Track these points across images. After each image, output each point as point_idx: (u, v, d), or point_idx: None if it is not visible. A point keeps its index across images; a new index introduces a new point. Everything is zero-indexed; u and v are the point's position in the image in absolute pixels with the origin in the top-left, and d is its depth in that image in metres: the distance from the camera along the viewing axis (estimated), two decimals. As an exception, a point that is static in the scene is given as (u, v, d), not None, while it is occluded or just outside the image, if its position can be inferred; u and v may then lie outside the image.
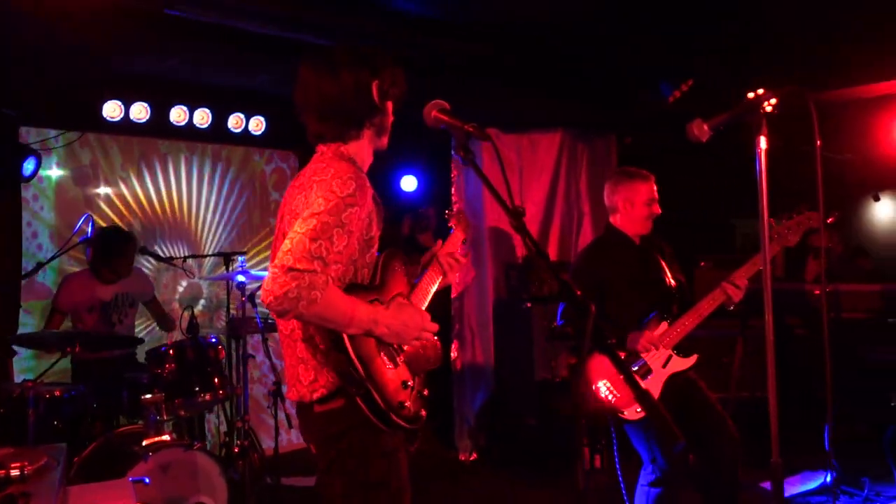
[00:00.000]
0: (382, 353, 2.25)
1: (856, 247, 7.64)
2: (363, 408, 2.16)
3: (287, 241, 2.08)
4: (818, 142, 2.25)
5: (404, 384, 2.29)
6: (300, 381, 2.27)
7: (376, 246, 2.35)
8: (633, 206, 3.79)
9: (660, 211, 3.84)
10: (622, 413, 3.51)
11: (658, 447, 3.54)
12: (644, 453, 3.65)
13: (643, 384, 3.52)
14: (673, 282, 3.81)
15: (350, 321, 2.13)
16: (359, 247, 2.25)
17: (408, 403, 2.26)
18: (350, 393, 2.17)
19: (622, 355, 3.59)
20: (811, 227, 3.61)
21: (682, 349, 3.65)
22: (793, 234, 3.60)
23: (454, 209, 3.04)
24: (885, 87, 5.64)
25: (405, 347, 2.34)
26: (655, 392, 3.57)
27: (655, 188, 3.84)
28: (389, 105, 2.40)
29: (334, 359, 2.18)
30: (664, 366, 3.62)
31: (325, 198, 2.12)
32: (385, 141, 2.44)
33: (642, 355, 3.60)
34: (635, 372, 3.56)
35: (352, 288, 2.23)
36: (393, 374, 2.26)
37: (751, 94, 2.20)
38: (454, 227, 2.94)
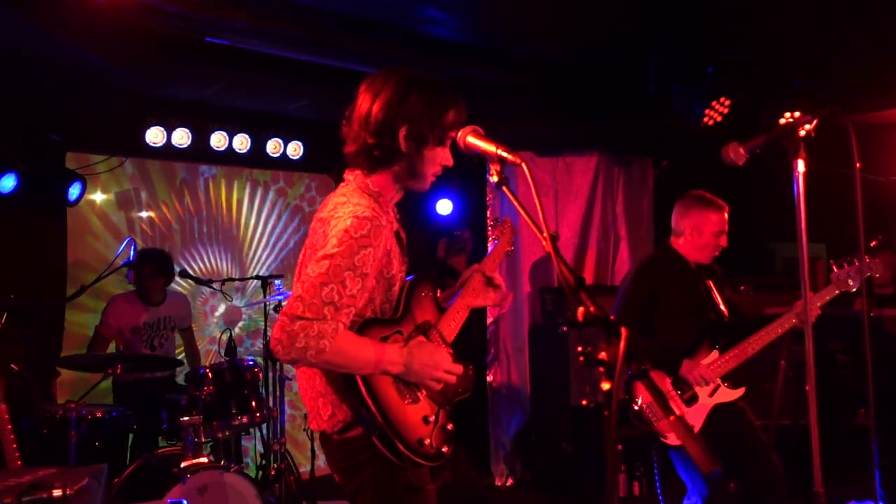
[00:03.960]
0: (401, 389, 2.18)
1: None
2: (380, 447, 2.11)
3: (298, 286, 2.05)
4: (857, 164, 2.20)
5: (425, 419, 2.22)
6: (320, 415, 2.24)
7: (398, 284, 2.28)
8: (701, 235, 3.68)
9: (726, 244, 3.71)
10: (664, 437, 3.44)
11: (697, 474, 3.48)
12: (688, 481, 3.57)
13: (688, 411, 3.48)
14: (726, 311, 3.71)
15: (363, 364, 2.09)
16: (378, 286, 2.21)
17: (427, 441, 2.18)
18: (367, 432, 2.13)
19: (670, 379, 3.53)
20: (872, 275, 3.55)
21: (731, 379, 3.57)
22: (853, 280, 3.52)
23: (500, 218, 2.81)
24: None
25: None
26: (699, 421, 3.50)
27: (727, 219, 3.71)
28: (430, 151, 2.25)
29: (348, 399, 2.14)
30: (711, 395, 3.54)
31: (338, 238, 2.06)
32: (419, 184, 2.31)
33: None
34: (681, 398, 3.51)
35: (368, 324, 2.17)
36: (412, 411, 2.19)
37: (786, 117, 2.16)
38: (498, 237, 2.76)
